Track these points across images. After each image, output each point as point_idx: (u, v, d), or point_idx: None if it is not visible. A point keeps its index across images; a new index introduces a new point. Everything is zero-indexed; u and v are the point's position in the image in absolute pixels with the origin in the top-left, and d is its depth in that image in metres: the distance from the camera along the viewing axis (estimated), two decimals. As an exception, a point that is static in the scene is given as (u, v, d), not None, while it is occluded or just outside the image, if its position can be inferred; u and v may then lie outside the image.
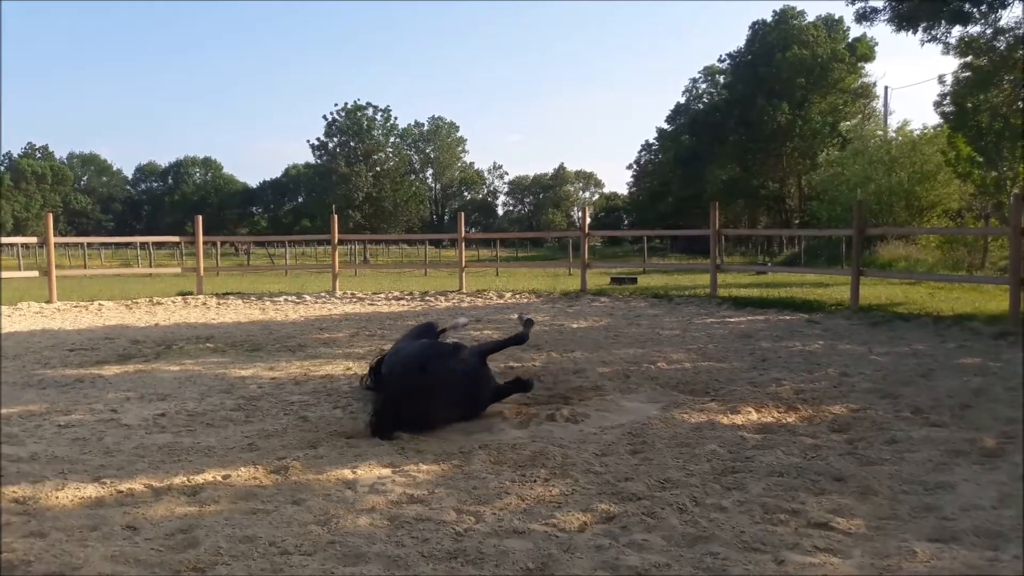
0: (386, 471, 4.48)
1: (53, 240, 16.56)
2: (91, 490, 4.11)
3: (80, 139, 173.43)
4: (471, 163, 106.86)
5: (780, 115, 51.32)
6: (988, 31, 16.24)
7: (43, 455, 4.81)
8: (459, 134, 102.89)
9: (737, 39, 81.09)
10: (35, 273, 18.56)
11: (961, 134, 24.35)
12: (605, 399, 6.32)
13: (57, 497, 4.00)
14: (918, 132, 33.04)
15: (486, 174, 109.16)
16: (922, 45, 17.10)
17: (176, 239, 26.28)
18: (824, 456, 4.63)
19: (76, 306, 15.22)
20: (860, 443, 4.91)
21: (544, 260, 44.42)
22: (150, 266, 35.07)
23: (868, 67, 54.51)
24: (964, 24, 15.95)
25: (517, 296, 16.49)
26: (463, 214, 19.86)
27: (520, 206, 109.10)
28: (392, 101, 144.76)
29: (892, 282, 17.44)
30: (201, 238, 18.52)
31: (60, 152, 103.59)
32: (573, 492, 4.08)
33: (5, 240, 25.05)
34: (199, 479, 4.30)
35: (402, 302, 15.90)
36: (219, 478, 4.32)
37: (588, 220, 19.19)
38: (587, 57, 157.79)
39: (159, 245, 46.93)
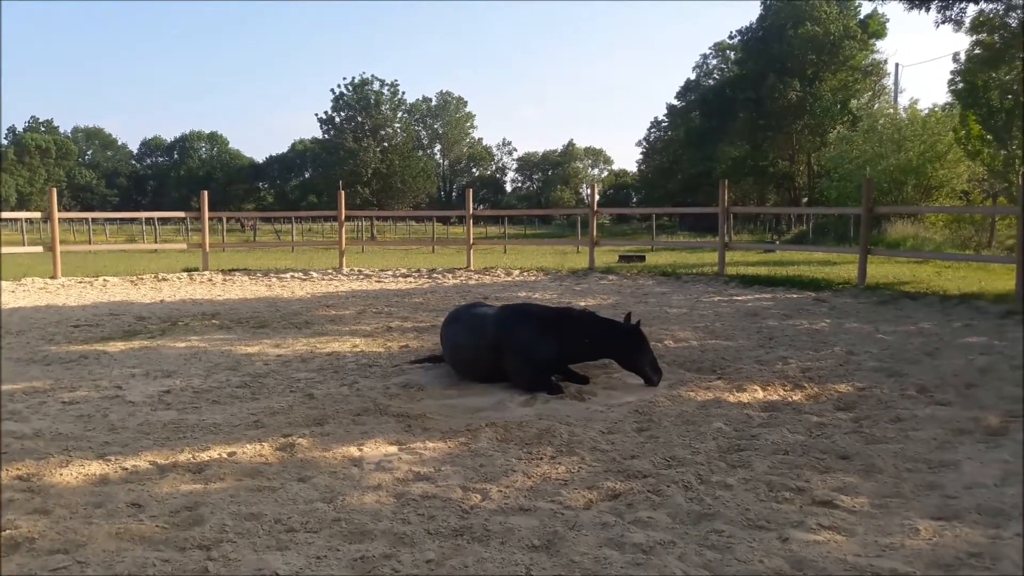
0: (392, 448, 4.49)
1: (57, 215, 16.54)
2: (95, 467, 4.13)
3: (84, 113, 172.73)
4: (479, 139, 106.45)
5: (791, 92, 50.79)
6: (1000, 8, 15.99)
7: (47, 432, 4.84)
8: (467, 109, 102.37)
9: (749, 14, 79.94)
10: (39, 248, 18.58)
11: (972, 112, 24.12)
12: (612, 377, 6.31)
13: (61, 474, 4.03)
14: (927, 110, 32.73)
15: (495, 150, 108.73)
16: (937, 26, 16.88)
17: (182, 215, 26.26)
18: (829, 434, 4.62)
19: (81, 282, 15.25)
20: (865, 421, 4.91)
21: (552, 237, 44.27)
22: (155, 242, 35.09)
23: (879, 44, 53.89)
24: (977, 3, 15.73)
25: (525, 274, 16.48)
26: (471, 190, 19.77)
27: (529, 183, 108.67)
28: (400, 75, 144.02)
29: (900, 261, 17.35)
30: (207, 214, 18.51)
31: (64, 126, 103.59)
32: (579, 470, 4.09)
33: (9, 215, 25.02)
34: (204, 456, 4.31)
35: (409, 279, 15.90)
36: (224, 455, 4.34)
37: (597, 197, 19.05)
38: (597, 32, 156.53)
39: (164, 221, 46.98)
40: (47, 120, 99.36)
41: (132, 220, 48.47)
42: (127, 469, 4.11)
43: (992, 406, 5.20)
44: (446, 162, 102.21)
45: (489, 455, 4.34)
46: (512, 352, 5.92)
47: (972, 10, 15.87)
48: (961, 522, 3.34)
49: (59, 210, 16.61)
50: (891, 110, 38.61)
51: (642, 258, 20.81)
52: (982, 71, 20.55)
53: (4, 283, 14.52)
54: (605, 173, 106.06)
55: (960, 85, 24.40)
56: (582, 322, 6.02)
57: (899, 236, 24.76)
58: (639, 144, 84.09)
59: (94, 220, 44.36)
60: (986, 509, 3.46)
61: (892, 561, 2.95)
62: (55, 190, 17.60)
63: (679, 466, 4.11)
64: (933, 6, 15.64)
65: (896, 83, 47.51)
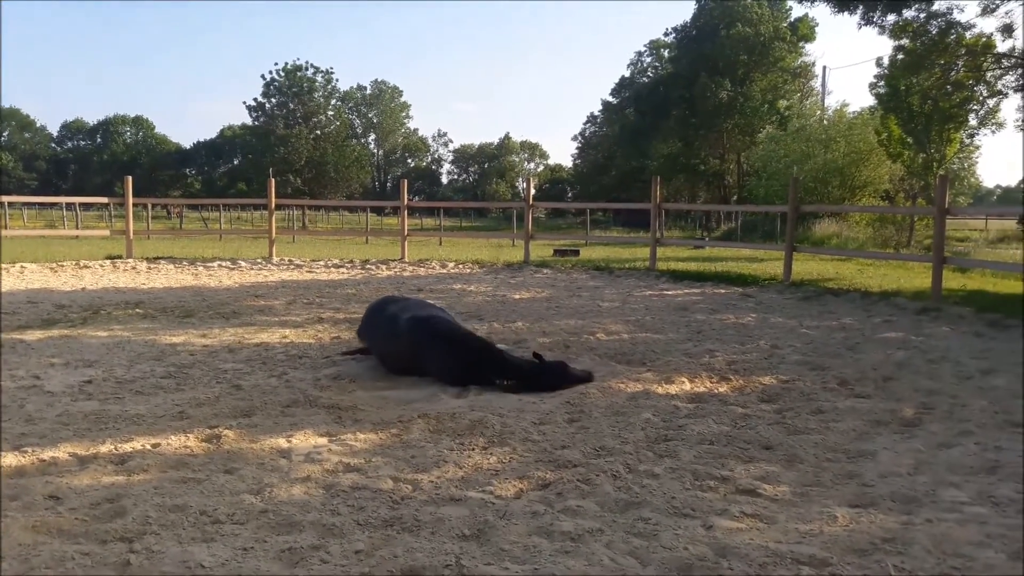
0: (322, 440, 4.44)
1: (-29, 199, 15.79)
2: (11, 459, 3.97)
3: None
4: (415, 129, 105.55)
5: (722, 91, 51.91)
6: (922, 15, 16.66)
7: (-40, 422, 4.62)
8: (403, 99, 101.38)
9: (684, 12, 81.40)
10: (-48, 233, 17.70)
11: (894, 116, 25.09)
12: (544, 369, 6.35)
13: (-26, 466, 3.86)
14: (854, 113, 33.88)
15: (430, 141, 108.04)
16: (859, 28, 17.52)
17: (105, 200, 25.33)
18: (753, 425, 4.76)
19: (-3, 268, 14.58)
20: (788, 413, 5.07)
21: (488, 231, 44.29)
22: (77, 228, 33.77)
23: (808, 47, 55.59)
24: (899, 11, 16.36)
25: (460, 266, 16.44)
26: (406, 181, 19.64)
27: (465, 175, 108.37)
28: (333, 64, 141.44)
29: (824, 258, 17.95)
30: (131, 200, 17.91)
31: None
32: (511, 460, 4.12)
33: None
34: (127, 447, 4.19)
35: (342, 270, 15.69)
36: (148, 446, 4.22)
37: (532, 191, 19.13)
38: (535, 26, 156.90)
39: (87, 206, 45.15)
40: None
41: (52, 205, 46.46)
42: (45, 461, 3.96)
43: (908, 399, 5.43)
44: (381, 152, 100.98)
45: (421, 446, 4.33)
46: (433, 355, 5.87)
47: (892, 18, 16.51)
48: (876, 509, 3.48)
49: (-29, 192, 15.82)
50: (819, 111, 39.85)
51: (576, 252, 21.01)
52: (904, 76, 21.37)
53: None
54: (541, 167, 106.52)
55: (883, 89, 25.36)
56: (495, 362, 5.75)
57: (824, 234, 25.64)
58: (575, 139, 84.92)
59: (10, 204, 42.29)
60: (899, 496, 3.61)
61: (811, 547, 3.05)
62: (-33, 171, 16.77)
63: (608, 456, 4.17)
64: (858, 11, 16.21)
65: (824, 85, 49.09)
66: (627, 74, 71.40)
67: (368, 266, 16.27)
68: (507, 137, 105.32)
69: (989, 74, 18.57)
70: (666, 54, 65.07)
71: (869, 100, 59.04)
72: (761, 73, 53.26)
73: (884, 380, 5.98)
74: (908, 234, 25.57)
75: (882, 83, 25.36)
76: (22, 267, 14.85)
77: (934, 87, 20.63)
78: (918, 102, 23.60)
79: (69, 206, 41.10)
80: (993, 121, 28.27)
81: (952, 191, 18.96)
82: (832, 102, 47.22)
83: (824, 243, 23.73)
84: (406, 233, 18.33)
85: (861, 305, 10.48)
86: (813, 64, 56.13)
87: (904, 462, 4.10)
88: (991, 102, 21.59)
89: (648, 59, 70.60)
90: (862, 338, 7.93)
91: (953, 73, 18.86)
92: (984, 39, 17.27)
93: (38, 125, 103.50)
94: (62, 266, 15.30)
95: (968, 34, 17.09)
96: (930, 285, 11.12)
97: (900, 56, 18.71)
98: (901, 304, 10.29)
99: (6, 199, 30.53)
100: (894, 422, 4.86)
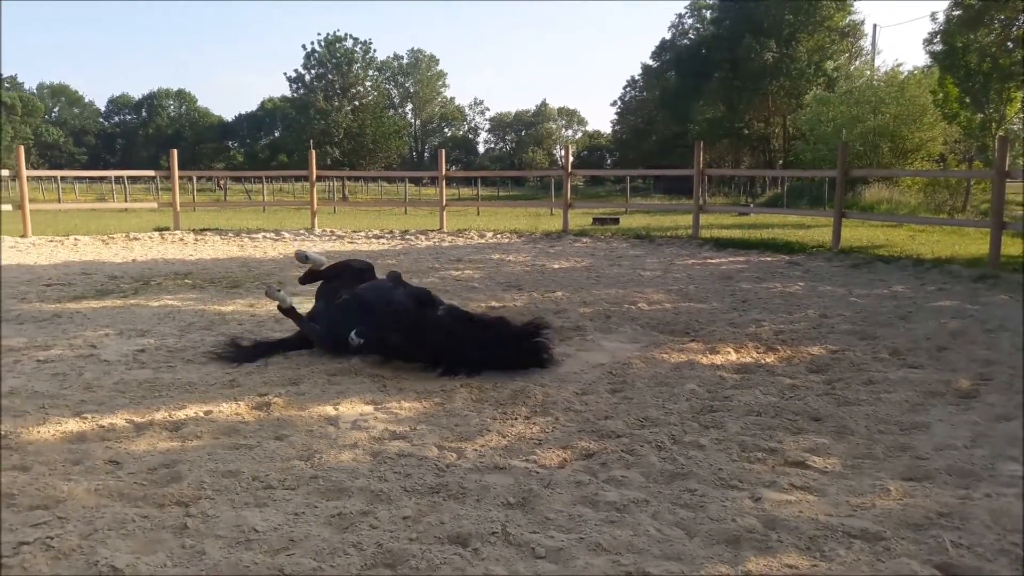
0: (368, 408, 4.49)
1: (25, 173, 16.19)
2: (72, 425, 4.10)
3: (49, 69, 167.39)
4: (451, 98, 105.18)
5: (767, 53, 50.62)
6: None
7: (23, 390, 4.79)
8: (439, 68, 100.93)
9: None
10: (8, 207, 18.18)
11: (950, 74, 24.18)
12: (586, 339, 6.34)
13: (39, 432, 3.99)
14: (907, 72, 32.74)
15: (467, 110, 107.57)
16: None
17: (151, 173, 25.82)
18: (802, 396, 4.69)
19: (51, 241, 14.99)
20: (838, 384, 4.98)
21: (526, 199, 44.08)
22: (125, 201, 34.46)
23: (857, 5, 53.88)
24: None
25: (499, 236, 16.43)
26: (443, 151, 19.59)
27: (501, 143, 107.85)
28: (371, 33, 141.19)
29: (874, 224, 17.53)
30: (176, 172, 18.19)
31: (29, 82, 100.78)
32: (554, 429, 4.12)
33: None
34: (181, 415, 4.29)
35: (382, 240, 15.79)
36: (201, 414, 4.32)
37: (571, 159, 18.91)
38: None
39: (134, 179, 46.04)
40: (11, 76, 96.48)
41: (101, 179, 47.49)
42: (104, 427, 4.09)
43: (963, 369, 5.28)
44: (418, 122, 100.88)
45: (464, 415, 4.36)
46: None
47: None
48: (931, 483, 3.39)
49: (27, 168, 16.25)
50: (868, 71, 38.66)
51: (616, 220, 20.82)
52: (961, 33, 20.56)
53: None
54: (579, 134, 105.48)
55: (938, 46, 24.41)
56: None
57: (874, 199, 24.96)
58: (614, 104, 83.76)
59: (63, 178, 43.35)
60: (956, 470, 3.51)
61: (863, 520, 3.00)
62: (22, 148, 17.23)
63: (652, 426, 4.15)
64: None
65: (874, 44, 47.60)
66: (667, 36, 70.05)
67: (407, 236, 16.34)
68: (544, 104, 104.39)
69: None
70: (708, 15, 63.54)
71: (923, 59, 57.16)
72: (807, 33, 51.71)
73: (938, 350, 5.83)
74: (963, 198, 24.77)
75: (937, 40, 24.42)
76: (75, 239, 15.24)
77: (993, 43, 19.80)
78: (976, 60, 22.66)
79: (118, 179, 41.91)
80: (1058, 79, 27.10)
81: (1012, 152, 18.28)
82: (882, 62, 45.71)
83: (874, 208, 23.12)
84: (444, 203, 18.34)
85: (913, 273, 10.22)
86: (862, 22, 54.42)
87: (960, 435, 4.00)
88: (1055, 58, 20.64)
89: (689, 20, 69.05)
90: (915, 307, 7.74)
91: (1014, 28, 18.08)
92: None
93: (86, 100, 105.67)
94: (113, 238, 15.65)
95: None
96: (987, 252, 10.79)
97: (957, 11, 17.99)
98: (956, 272, 10.00)
99: (59, 173, 31.36)
100: (949, 393, 4.74)
